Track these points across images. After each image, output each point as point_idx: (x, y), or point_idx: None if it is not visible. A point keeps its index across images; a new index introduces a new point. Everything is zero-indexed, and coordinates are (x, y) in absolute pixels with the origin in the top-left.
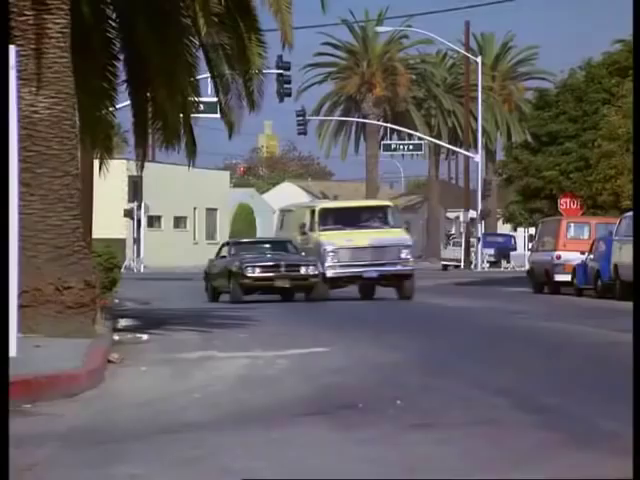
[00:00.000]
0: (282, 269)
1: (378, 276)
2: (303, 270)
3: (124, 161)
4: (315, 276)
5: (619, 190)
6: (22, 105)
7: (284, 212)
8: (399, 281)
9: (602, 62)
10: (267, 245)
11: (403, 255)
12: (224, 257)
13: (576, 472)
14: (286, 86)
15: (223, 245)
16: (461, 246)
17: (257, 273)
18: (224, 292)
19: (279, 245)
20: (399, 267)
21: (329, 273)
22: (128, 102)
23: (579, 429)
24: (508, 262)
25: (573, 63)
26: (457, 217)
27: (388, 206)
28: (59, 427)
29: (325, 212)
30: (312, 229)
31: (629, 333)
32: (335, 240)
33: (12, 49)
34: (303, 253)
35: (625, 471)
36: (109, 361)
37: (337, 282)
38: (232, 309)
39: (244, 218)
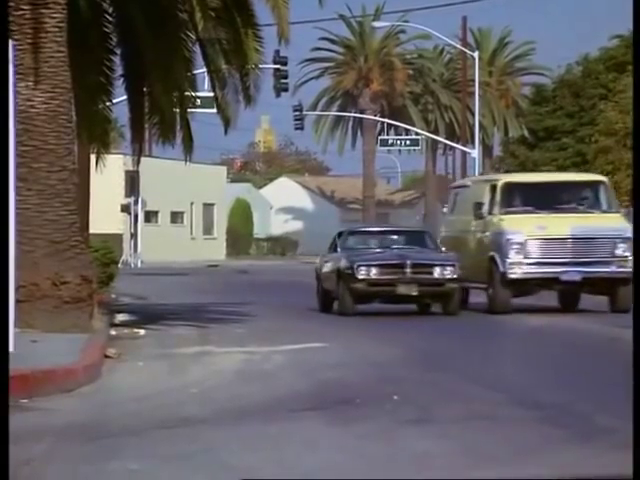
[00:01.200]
0: (407, 270)
1: (582, 279)
2: (437, 272)
3: (121, 156)
4: (453, 280)
5: (616, 186)
6: (19, 99)
7: (457, 189)
8: (611, 287)
9: (599, 57)
10: (394, 236)
11: (619, 251)
12: (337, 251)
13: (575, 468)
14: (283, 81)
15: (337, 235)
16: None
17: (373, 275)
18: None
19: (411, 237)
20: (613, 268)
21: (512, 273)
22: (125, 97)
23: (579, 425)
24: None
25: (570, 58)
26: None
27: (600, 182)
28: (56, 422)
29: (510, 188)
30: (491, 211)
31: (628, 329)
32: (523, 227)
33: (9, 44)
34: (444, 248)
35: (624, 466)
36: (106, 356)
37: (523, 286)
38: (229, 305)
39: (241, 213)
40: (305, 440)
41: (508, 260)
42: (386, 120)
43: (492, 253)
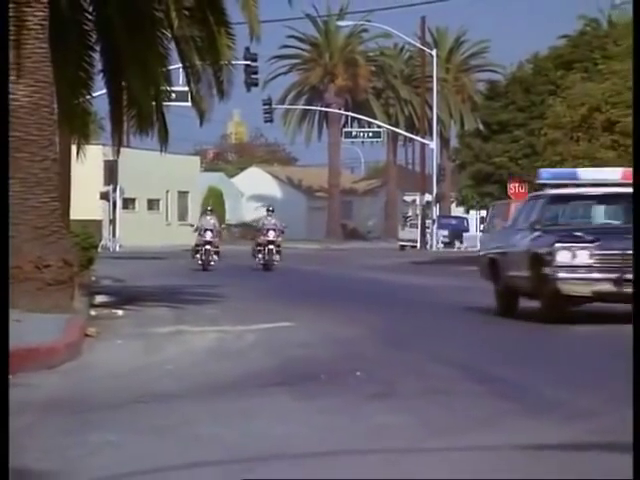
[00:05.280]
0: None
1: None
2: None
3: (100, 146)
4: None
5: None
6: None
7: None
8: None
9: (548, 56)
10: None
11: None
12: None
13: (526, 438)
14: (253, 76)
15: None
16: (417, 227)
17: None
18: None
19: None
20: None
21: None
22: (104, 91)
23: (527, 397)
24: (461, 243)
25: (522, 57)
26: (414, 200)
27: None
28: (38, 397)
29: None
30: None
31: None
32: None
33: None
34: None
35: (568, 438)
36: (86, 335)
37: None
38: (204, 286)
39: (214, 200)
40: (273, 414)
41: None
42: (350, 113)
43: None
